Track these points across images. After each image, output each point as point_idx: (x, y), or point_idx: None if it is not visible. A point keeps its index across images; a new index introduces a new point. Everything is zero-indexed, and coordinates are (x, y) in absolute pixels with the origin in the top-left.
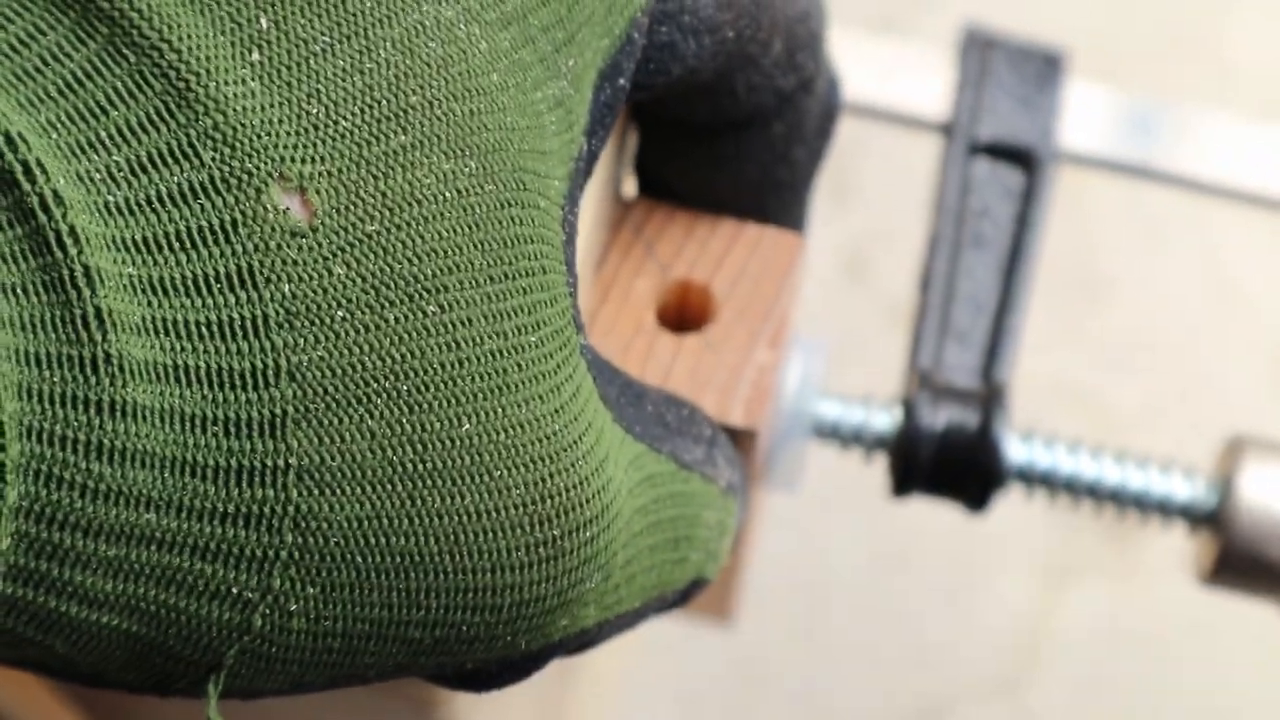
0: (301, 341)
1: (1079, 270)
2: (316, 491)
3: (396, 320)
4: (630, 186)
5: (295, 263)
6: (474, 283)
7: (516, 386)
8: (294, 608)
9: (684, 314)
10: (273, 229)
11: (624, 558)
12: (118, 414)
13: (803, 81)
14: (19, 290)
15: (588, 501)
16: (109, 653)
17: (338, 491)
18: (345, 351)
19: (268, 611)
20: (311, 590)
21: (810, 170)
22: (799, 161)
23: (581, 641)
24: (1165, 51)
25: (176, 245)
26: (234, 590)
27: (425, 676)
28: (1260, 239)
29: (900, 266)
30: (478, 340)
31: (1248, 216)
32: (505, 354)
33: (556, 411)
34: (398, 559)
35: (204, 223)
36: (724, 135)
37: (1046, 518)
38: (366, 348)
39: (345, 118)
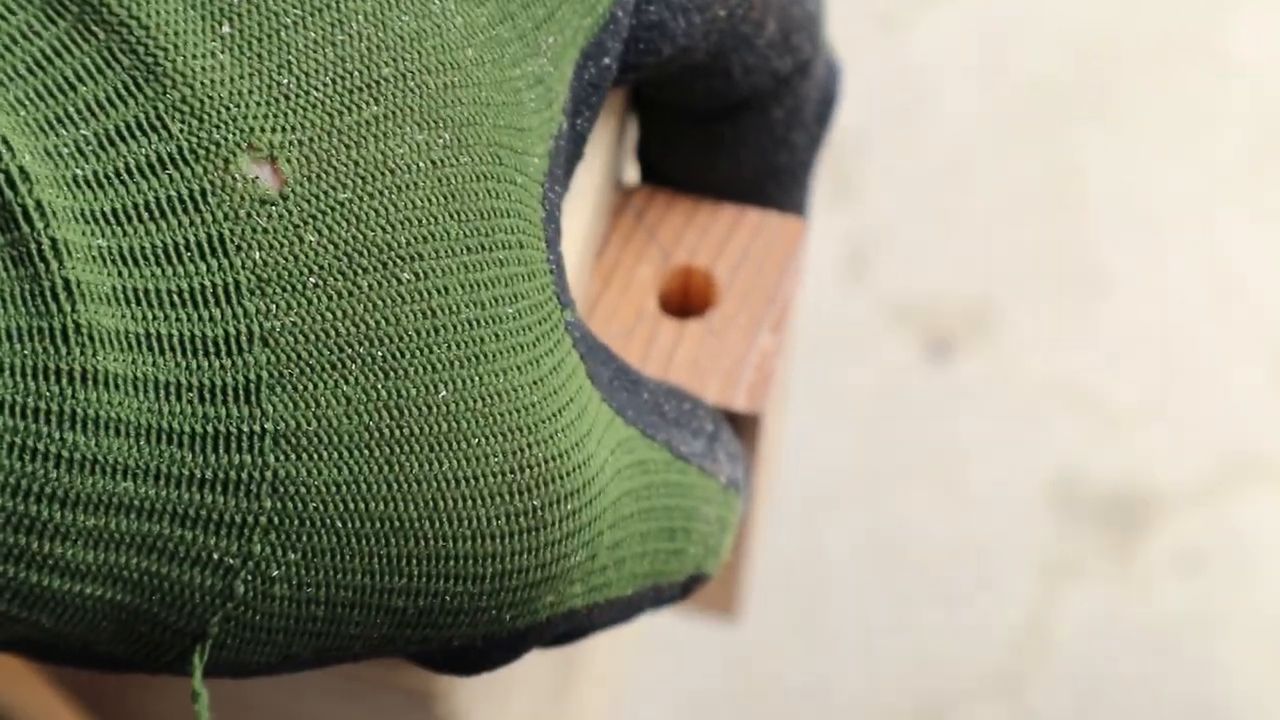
0: (274, 307)
1: (1080, 267)
2: (294, 456)
3: (370, 287)
4: (632, 175)
5: (266, 230)
6: (449, 252)
7: (493, 356)
8: (275, 574)
9: (686, 300)
10: (242, 197)
11: (611, 539)
12: (89, 383)
13: (799, 64)
14: None
15: (568, 474)
16: (95, 624)
17: (315, 456)
18: (318, 317)
19: (249, 578)
20: (292, 556)
21: (810, 155)
22: (799, 146)
23: (571, 625)
24: (1165, 51)
25: (146, 215)
26: (215, 556)
27: (413, 658)
28: (1262, 235)
29: (901, 265)
30: (453, 309)
31: (1250, 212)
32: (482, 323)
33: (535, 383)
34: (377, 524)
35: (173, 193)
36: (722, 120)
37: (1046, 516)
38: (340, 313)
39: (316, 88)
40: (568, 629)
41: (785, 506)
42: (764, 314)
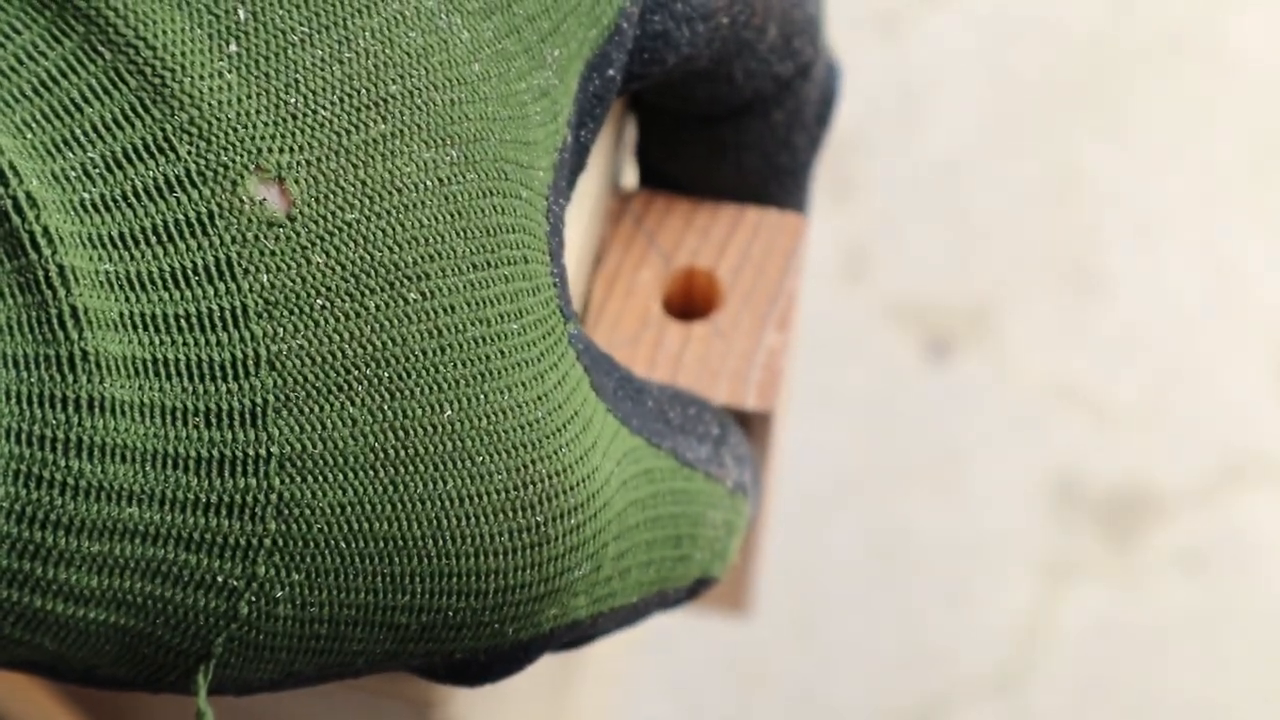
0: (281, 331)
1: (1080, 267)
2: (299, 479)
3: (377, 308)
4: (630, 178)
5: (273, 253)
6: (455, 270)
7: (498, 373)
8: (280, 594)
9: (690, 302)
10: (250, 220)
11: (616, 550)
12: (96, 410)
13: (800, 67)
14: None
15: (572, 489)
16: (99, 648)
17: (320, 478)
18: (325, 339)
19: (254, 599)
20: (296, 576)
21: (810, 156)
22: (800, 148)
23: (575, 634)
24: (1165, 51)
25: (153, 239)
26: (219, 579)
27: (415, 670)
28: (1262, 235)
29: (900, 266)
30: (459, 327)
31: (1250, 212)
32: (487, 341)
33: (539, 399)
34: (381, 544)
35: (180, 216)
36: (724, 124)
37: (1046, 516)
38: (347, 335)
39: (324, 107)
40: (571, 638)
41: (785, 506)
42: (768, 312)
